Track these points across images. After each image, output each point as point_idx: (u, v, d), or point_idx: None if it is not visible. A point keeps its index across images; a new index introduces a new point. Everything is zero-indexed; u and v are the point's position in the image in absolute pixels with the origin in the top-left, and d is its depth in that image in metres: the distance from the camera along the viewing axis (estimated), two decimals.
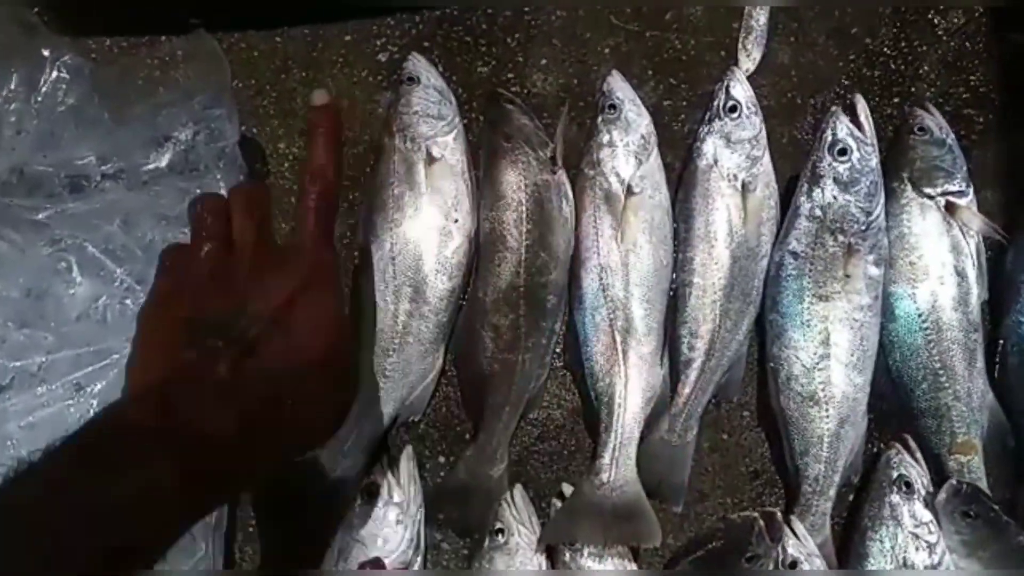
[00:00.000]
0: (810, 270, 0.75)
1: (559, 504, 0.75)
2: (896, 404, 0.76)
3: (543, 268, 0.77)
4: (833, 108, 0.77)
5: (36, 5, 0.82)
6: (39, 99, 0.77)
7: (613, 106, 0.80)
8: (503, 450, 0.77)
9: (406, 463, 0.76)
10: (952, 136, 0.79)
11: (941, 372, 0.74)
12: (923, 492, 0.72)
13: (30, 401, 0.68)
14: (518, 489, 0.75)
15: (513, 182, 0.79)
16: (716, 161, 0.79)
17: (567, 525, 0.73)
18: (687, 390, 0.76)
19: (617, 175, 0.79)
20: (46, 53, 0.79)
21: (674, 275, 0.79)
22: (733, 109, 0.79)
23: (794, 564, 0.70)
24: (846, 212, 0.75)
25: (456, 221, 0.79)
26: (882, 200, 0.75)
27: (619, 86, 0.81)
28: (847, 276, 0.75)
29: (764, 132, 0.79)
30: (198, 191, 0.77)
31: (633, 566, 0.73)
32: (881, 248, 0.75)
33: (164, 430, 0.45)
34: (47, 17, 0.81)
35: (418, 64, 0.83)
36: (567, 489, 0.76)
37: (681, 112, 0.86)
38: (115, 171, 0.79)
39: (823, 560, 0.72)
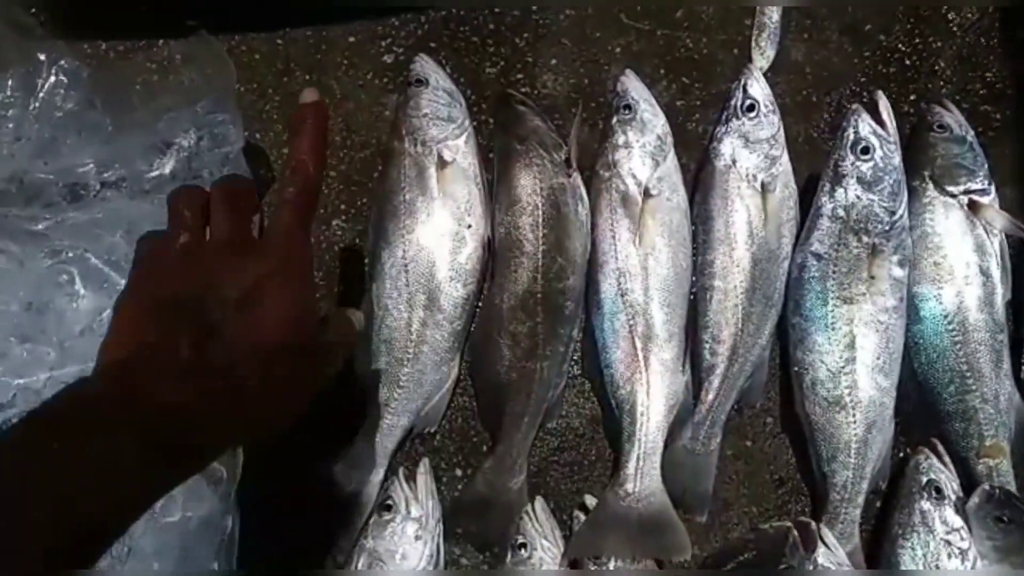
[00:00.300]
0: (834, 272, 0.74)
1: (582, 516, 0.73)
2: (922, 408, 0.75)
3: (560, 273, 0.75)
4: (855, 106, 0.75)
5: (33, 6, 0.79)
6: (36, 105, 0.74)
7: (628, 106, 0.78)
8: (522, 461, 0.75)
9: (423, 476, 0.74)
10: (972, 133, 0.77)
11: (968, 374, 0.73)
12: (953, 497, 0.71)
13: None
14: (539, 502, 0.73)
15: (528, 185, 0.77)
16: (734, 161, 0.77)
17: (593, 538, 0.71)
18: (711, 396, 0.75)
19: (634, 177, 0.77)
20: (42, 57, 0.76)
21: (693, 279, 0.77)
22: (751, 108, 0.77)
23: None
24: (870, 212, 0.73)
25: (470, 226, 0.77)
26: (905, 199, 0.74)
27: (634, 86, 0.79)
28: (872, 277, 0.73)
29: (782, 131, 0.78)
30: None
31: None
32: (905, 248, 0.74)
33: (126, 404, 0.45)
34: (43, 17, 0.78)
35: (426, 65, 0.81)
36: (590, 501, 0.74)
37: (695, 112, 0.84)
38: (116, 179, 0.76)
39: (853, 566, 0.70)
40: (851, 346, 0.73)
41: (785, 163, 0.78)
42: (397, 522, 0.71)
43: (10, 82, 0.74)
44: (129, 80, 0.84)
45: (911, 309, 0.75)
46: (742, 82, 0.78)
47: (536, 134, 0.78)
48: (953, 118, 0.78)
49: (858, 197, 0.74)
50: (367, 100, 0.87)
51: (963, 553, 0.69)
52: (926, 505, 0.70)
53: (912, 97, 0.84)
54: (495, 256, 0.78)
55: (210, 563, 0.68)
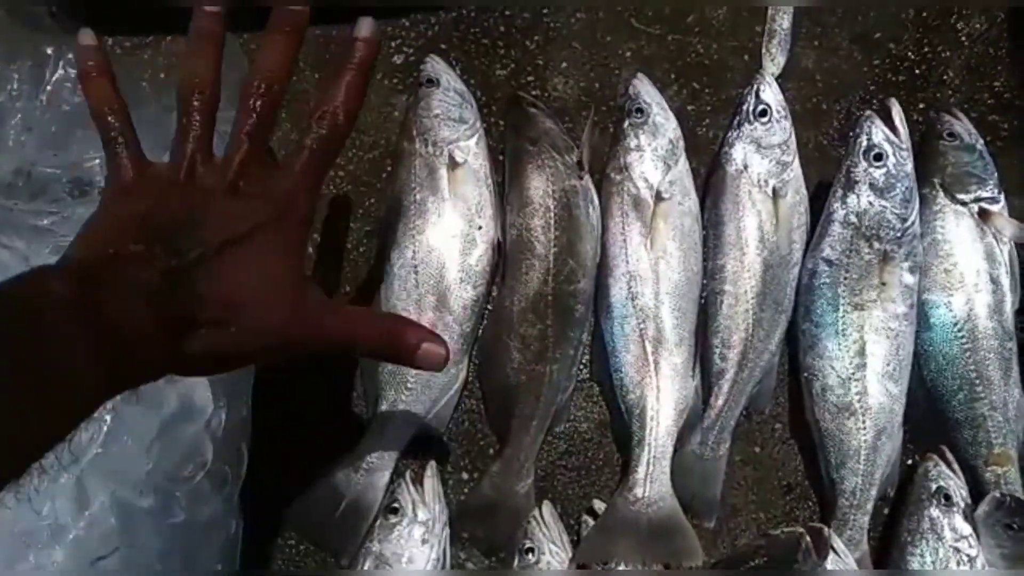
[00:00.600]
0: (845, 278, 0.74)
1: (590, 521, 0.73)
2: (931, 415, 0.75)
3: (572, 276, 0.75)
4: (868, 112, 0.75)
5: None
6: (44, 98, 0.73)
7: (640, 110, 0.78)
8: (530, 465, 0.75)
9: (430, 479, 0.73)
10: (981, 142, 0.78)
11: (977, 382, 0.73)
12: (963, 505, 0.71)
13: None
14: (547, 506, 0.73)
15: (540, 187, 0.77)
16: (746, 167, 0.77)
17: (602, 543, 0.70)
18: (720, 402, 0.74)
19: (645, 180, 0.77)
20: (49, 51, 0.75)
21: (704, 283, 0.77)
22: (763, 113, 0.77)
23: None
24: (882, 218, 0.73)
25: (480, 228, 0.76)
26: (917, 206, 0.74)
27: (646, 89, 0.79)
28: (883, 284, 0.73)
29: (794, 137, 0.78)
30: None
31: None
32: (916, 255, 0.74)
33: (81, 309, 0.43)
34: (54, 8, 0.77)
35: (437, 66, 0.81)
36: (598, 505, 0.73)
37: (705, 117, 0.84)
38: None
39: (863, 574, 0.70)
40: (861, 352, 0.73)
41: (796, 169, 0.78)
42: (403, 525, 0.71)
43: (16, 75, 0.73)
44: (138, 76, 0.84)
45: (921, 316, 0.75)
46: (755, 87, 0.78)
47: (548, 136, 0.78)
48: (963, 127, 0.78)
49: (870, 203, 0.74)
50: (376, 100, 0.86)
51: (971, 560, 0.69)
52: (935, 512, 0.70)
53: (921, 106, 0.84)
54: (505, 258, 0.77)
55: (214, 565, 0.67)
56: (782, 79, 0.84)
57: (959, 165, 0.77)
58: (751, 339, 0.75)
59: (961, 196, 0.76)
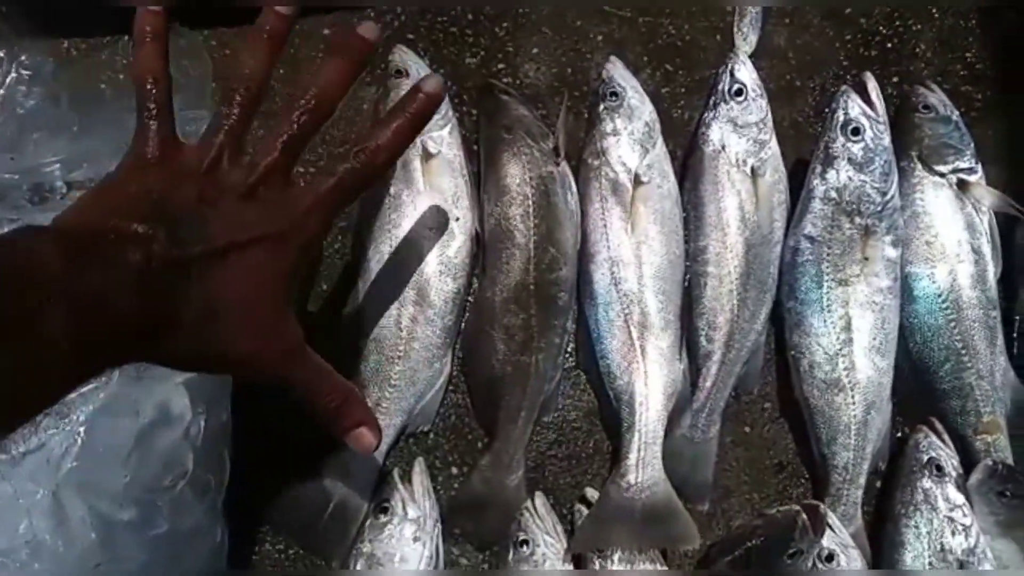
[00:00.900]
0: (827, 254, 0.73)
1: (584, 510, 0.72)
2: (919, 387, 0.75)
3: (553, 264, 0.74)
4: (844, 88, 0.75)
5: None
6: None
7: (615, 93, 0.77)
8: (520, 457, 0.74)
9: (419, 476, 0.72)
10: (956, 113, 0.78)
11: (963, 352, 0.73)
12: (954, 475, 0.71)
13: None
14: (539, 497, 0.72)
15: (517, 175, 0.75)
16: (724, 147, 0.76)
17: (597, 532, 0.69)
18: (708, 383, 0.74)
19: (623, 164, 0.76)
20: (1, 55, 0.73)
21: (687, 265, 0.76)
22: (739, 93, 0.76)
23: (831, 556, 0.68)
24: (862, 193, 0.73)
25: (457, 219, 0.75)
26: (896, 179, 0.74)
27: (620, 73, 0.78)
28: (865, 259, 0.73)
29: (770, 115, 0.77)
30: None
31: (664, 569, 0.70)
32: (898, 228, 0.74)
33: (68, 275, 0.42)
34: (6, 9, 0.75)
35: (405, 56, 0.79)
36: (591, 494, 0.73)
37: (680, 98, 0.84)
38: (84, 178, 0.73)
39: (859, 550, 0.69)
40: (847, 328, 0.73)
41: (774, 147, 0.77)
42: (394, 524, 0.69)
43: None
44: (95, 77, 0.81)
45: (905, 289, 0.75)
46: (729, 67, 0.77)
47: (522, 123, 0.77)
48: (937, 98, 0.78)
49: (850, 178, 0.73)
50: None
51: (966, 529, 0.69)
52: (927, 483, 0.70)
53: (895, 79, 0.84)
54: (485, 249, 0.76)
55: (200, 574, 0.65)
56: (755, 58, 0.83)
57: (936, 137, 0.77)
58: (736, 320, 0.74)
59: (939, 168, 0.76)
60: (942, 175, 0.76)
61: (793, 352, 0.74)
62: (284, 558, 0.73)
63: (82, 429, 0.63)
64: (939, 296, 0.74)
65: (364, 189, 0.54)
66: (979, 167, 0.76)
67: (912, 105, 0.78)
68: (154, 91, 0.52)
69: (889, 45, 0.85)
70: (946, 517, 0.70)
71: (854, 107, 0.74)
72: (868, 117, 0.73)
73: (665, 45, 0.85)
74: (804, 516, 0.65)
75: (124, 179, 0.50)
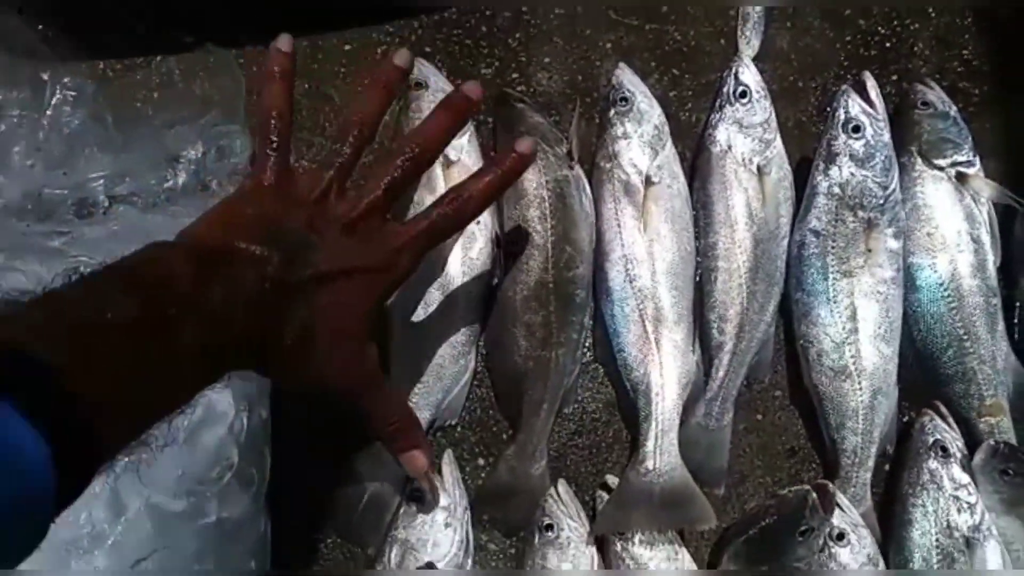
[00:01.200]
0: (832, 247, 0.77)
1: (604, 496, 0.75)
2: (923, 372, 0.78)
3: (570, 263, 0.78)
4: (844, 87, 0.79)
5: (41, 23, 0.80)
6: (45, 123, 0.75)
7: (625, 98, 0.81)
8: (543, 447, 0.77)
9: (448, 466, 0.75)
10: (954, 108, 0.81)
11: (965, 338, 0.76)
12: (959, 455, 0.74)
13: None
14: (562, 484, 0.75)
15: (534, 179, 0.79)
16: (730, 147, 0.80)
17: (619, 514, 0.73)
18: (721, 373, 0.77)
19: (635, 166, 0.80)
20: (45, 77, 0.77)
21: (698, 260, 0.80)
22: (743, 95, 0.80)
23: (841, 535, 0.71)
24: (864, 187, 0.76)
25: (479, 222, 0.79)
26: (896, 173, 0.77)
27: (628, 79, 0.82)
28: (869, 250, 0.76)
29: (774, 115, 0.81)
30: None
31: (683, 551, 0.73)
32: (899, 221, 0.77)
33: (196, 288, 0.46)
34: (51, 33, 0.79)
35: (424, 69, 0.83)
36: (611, 480, 0.76)
37: (687, 102, 0.87)
38: (127, 192, 0.78)
39: (868, 529, 0.73)
40: (853, 317, 0.76)
41: (779, 146, 0.81)
42: (426, 512, 0.73)
43: (18, 102, 0.75)
44: (131, 96, 0.86)
45: (908, 279, 0.78)
46: (733, 70, 0.81)
47: (537, 130, 0.81)
48: (935, 95, 0.81)
49: (852, 174, 0.77)
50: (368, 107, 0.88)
51: (971, 507, 0.72)
52: (933, 464, 0.73)
53: (894, 77, 0.87)
54: (503, 248, 0.80)
55: (247, 563, 0.70)
56: (758, 61, 0.86)
57: (934, 132, 0.80)
58: (746, 312, 0.78)
59: (938, 161, 0.79)
60: (941, 169, 0.79)
61: (802, 342, 0.78)
62: (324, 547, 0.77)
63: None
64: (941, 285, 0.77)
65: (453, 233, 0.59)
66: (977, 160, 0.79)
67: (911, 102, 0.81)
68: (277, 125, 0.57)
69: (888, 45, 0.88)
70: (952, 496, 0.73)
71: (854, 106, 0.77)
72: (868, 115, 0.77)
73: (671, 51, 0.88)
74: (814, 495, 0.69)
75: (243, 202, 0.55)
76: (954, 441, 0.74)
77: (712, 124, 0.81)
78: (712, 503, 0.75)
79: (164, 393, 0.46)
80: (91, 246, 0.74)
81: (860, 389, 0.75)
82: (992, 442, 0.73)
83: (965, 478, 0.73)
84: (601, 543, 0.74)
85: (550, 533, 0.72)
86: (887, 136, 0.77)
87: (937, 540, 0.72)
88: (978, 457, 0.73)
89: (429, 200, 0.78)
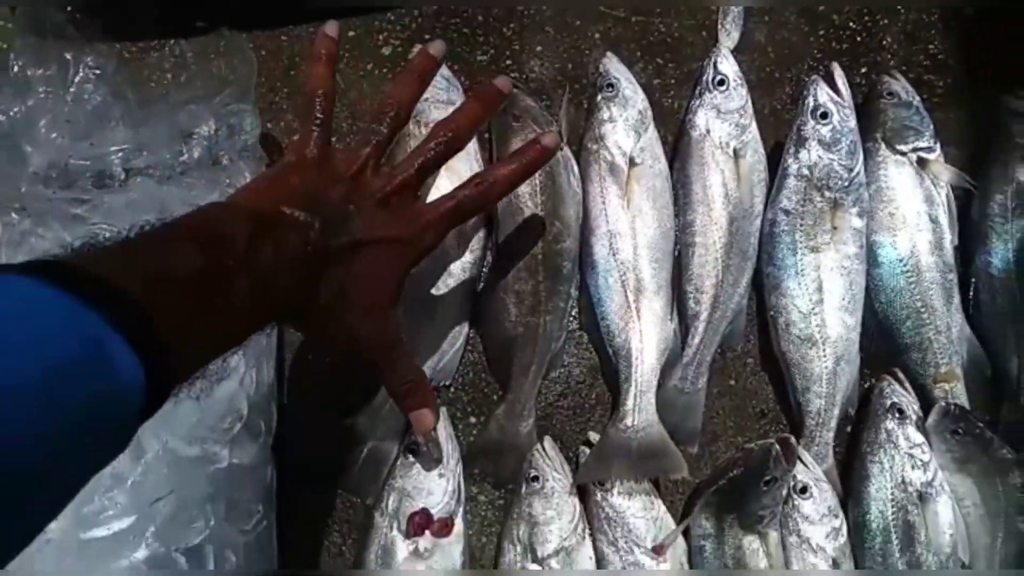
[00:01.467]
0: (801, 225, 0.83)
1: (587, 451, 0.81)
2: (883, 342, 0.84)
3: (558, 237, 0.83)
4: (813, 77, 0.84)
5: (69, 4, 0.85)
6: (69, 99, 0.80)
7: (611, 85, 0.86)
8: (531, 407, 0.83)
9: (442, 423, 0.81)
10: (918, 98, 0.86)
11: (923, 309, 0.82)
12: (914, 417, 0.79)
13: None
14: (548, 440, 0.81)
15: None
16: (708, 131, 0.85)
17: (599, 465, 0.79)
18: (697, 340, 0.83)
19: (619, 148, 0.85)
20: (69, 57, 0.82)
21: (676, 236, 0.85)
22: (721, 83, 0.85)
23: (804, 489, 0.77)
24: (830, 170, 0.82)
25: None
26: (861, 157, 0.83)
27: (615, 67, 0.87)
28: (834, 228, 0.82)
29: (750, 102, 0.86)
30: (227, 180, 0.82)
31: (659, 502, 0.79)
32: (863, 201, 0.83)
33: (248, 245, 0.51)
34: (78, 16, 0.84)
35: None
36: (593, 437, 0.82)
37: (670, 89, 0.93)
38: (144, 166, 0.83)
39: (830, 484, 0.79)
40: (819, 290, 0.82)
41: (754, 131, 0.86)
42: (425, 465, 0.79)
43: (46, 78, 0.80)
44: (147, 76, 0.91)
45: (870, 255, 0.83)
46: (713, 60, 0.86)
47: (529, 113, 0.86)
48: (900, 86, 0.87)
49: (820, 157, 0.83)
50: (369, 89, 0.94)
51: (925, 465, 0.78)
52: (890, 424, 0.79)
53: (863, 70, 0.93)
54: (497, 223, 0.85)
55: (255, 507, 0.75)
56: (737, 52, 0.92)
57: (898, 120, 0.85)
58: (721, 284, 0.83)
59: (900, 147, 0.85)
60: (903, 154, 0.84)
61: (772, 312, 0.83)
62: (324, 495, 0.83)
63: None
64: (901, 261, 0.83)
65: (476, 214, 0.66)
66: (937, 146, 0.85)
67: (878, 92, 0.87)
68: (320, 104, 0.63)
69: (858, 39, 0.94)
70: (907, 454, 0.79)
71: (823, 94, 0.83)
72: (835, 103, 0.83)
73: (656, 41, 0.94)
74: (778, 448, 0.74)
75: (288, 172, 0.59)
76: (910, 404, 0.80)
77: (692, 110, 0.86)
78: (687, 461, 0.81)
79: (221, 334, 0.51)
80: (110, 214, 0.79)
81: (824, 356, 0.81)
82: (944, 403, 0.79)
83: (919, 438, 0.79)
84: (583, 495, 0.80)
85: (536, 484, 0.78)
86: (853, 122, 0.83)
87: (892, 494, 0.78)
88: (931, 418, 0.79)
89: (429, 178, 0.84)
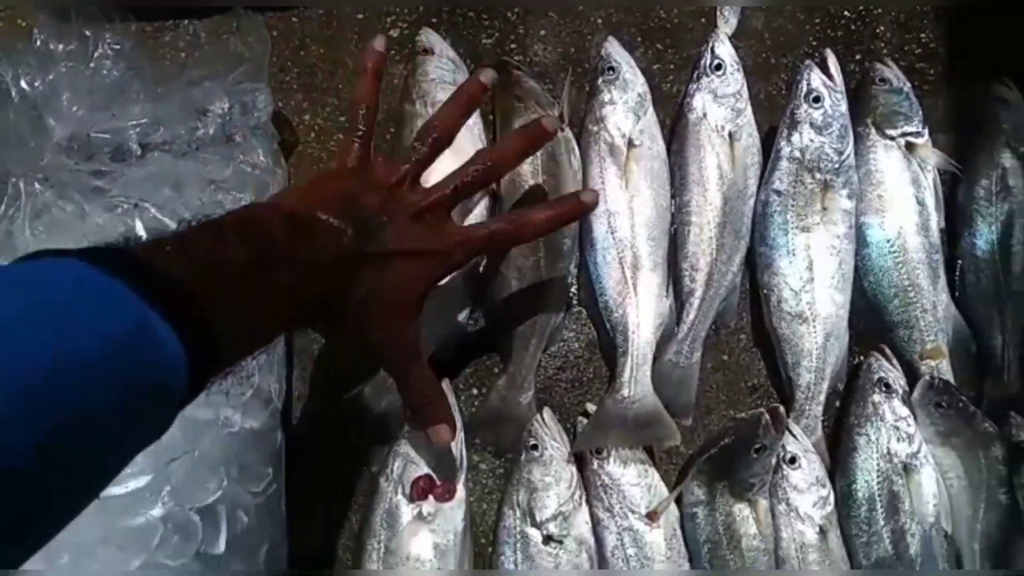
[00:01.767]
0: (793, 205, 0.85)
1: (584, 421, 0.84)
2: (871, 319, 0.87)
3: None
4: (807, 62, 0.87)
5: None
6: (89, 74, 0.83)
7: (612, 68, 0.89)
8: (531, 379, 0.85)
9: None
10: (908, 85, 0.89)
11: (910, 288, 0.85)
12: (900, 392, 0.82)
13: None
14: (547, 411, 0.84)
15: None
16: (705, 114, 0.88)
17: (596, 434, 0.81)
18: (691, 316, 0.86)
19: (619, 130, 0.88)
20: (88, 34, 0.85)
21: (673, 216, 0.88)
22: (718, 67, 0.88)
23: (793, 459, 0.80)
24: (822, 152, 0.85)
25: None
26: (852, 141, 0.86)
27: (616, 51, 0.90)
28: (824, 209, 0.85)
29: (746, 87, 0.89)
30: (241, 156, 0.84)
31: (653, 471, 0.82)
32: (852, 183, 0.86)
33: (285, 246, 0.54)
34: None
35: (431, 37, 0.91)
36: (591, 408, 0.85)
37: (669, 74, 0.95)
38: (160, 141, 0.85)
39: (818, 455, 0.82)
40: (810, 268, 0.85)
41: (749, 115, 0.89)
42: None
43: (67, 53, 0.83)
44: (161, 55, 0.94)
45: (859, 235, 0.86)
46: (710, 45, 0.89)
47: (532, 94, 0.89)
48: (892, 73, 0.89)
49: (811, 140, 0.85)
50: None
51: (910, 437, 0.81)
52: (877, 398, 0.82)
53: (857, 57, 0.95)
54: (500, 202, 0.88)
55: (265, 470, 0.78)
56: (735, 39, 0.94)
57: (888, 105, 0.88)
58: (715, 262, 0.86)
59: (890, 132, 0.87)
60: (892, 138, 0.87)
61: (764, 290, 0.86)
62: (331, 462, 0.86)
63: None
64: (888, 241, 0.86)
65: (504, 248, 0.71)
66: (925, 131, 0.88)
67: (870, 79, 0.89)
68: (364, 116, 0.66)
69: (853, 27, 0.96)
70: (892, 427, 0.82)
71: (815, 79, 0.86)
72: (827, 87, 0.85)
73: (656, 27, 0.97)
74: (767, 417, 0.77)
75: (328, 179, 0.63)
76: (897, 379, 0.83)
77: (690, 94, 0.89)
78: (681, 432, 0.84)
79: (260, 328, 0.53)
80: (128, 186, 0.82)
81: (814, 332, 0.84)
82: (928, 377, 0.82)
83: (905, 411, 0.82)
84: (580, 463, 0.83)
85: (535, 452, 0.81)
86: (844, 107, 0.86)
87: (878, 465, 0.81)
88: (916, 392, 0.82)
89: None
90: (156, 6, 0.96)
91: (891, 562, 0.80)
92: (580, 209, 0.70)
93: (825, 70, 0.87)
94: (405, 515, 0.80)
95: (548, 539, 0.80)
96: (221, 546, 0.72)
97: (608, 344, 0.87)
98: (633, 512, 0.80)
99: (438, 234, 0.64)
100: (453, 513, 0.80)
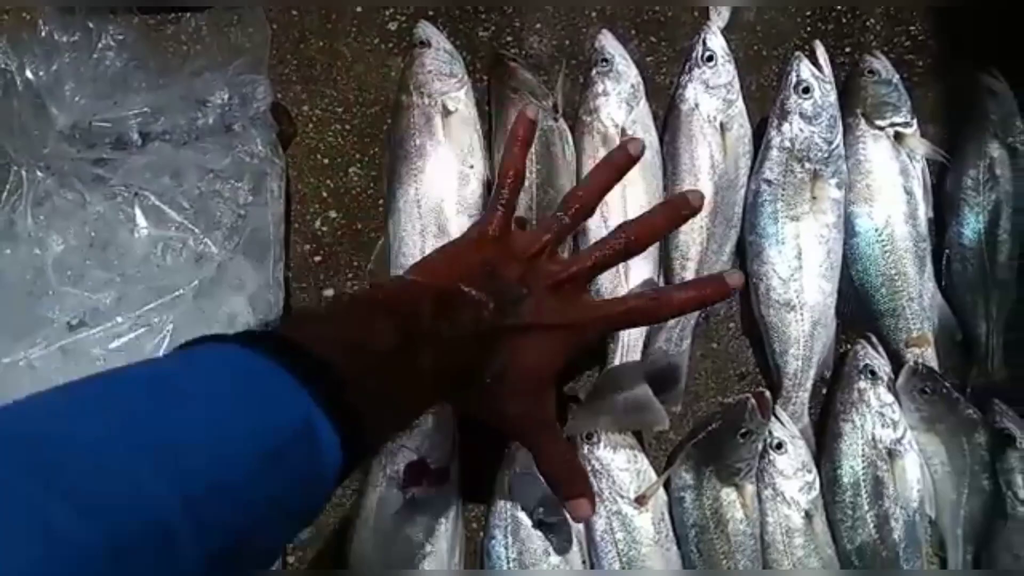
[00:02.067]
0: (782, 195, 0.87)
1: (576, 407, 0.86)
2: (859, 308, 0.88)
3: (552, 204, 0.87)
4: (797, 54, 0.88)
5: None
6: (92, 65, 0.85)
7: (606, 60, 0.90)
8: None
9: None
10: (897, 77, 0.90)
11: (896, 277, 0.86)
12: (886, 379, 0.84)
13: (109, 330, 0.76)
14: None
15: None
16: (697, 105, 0.90)
17: (588, 419, 0.83)
18: None
19: (612, 120, 0.89)
20: (91, 25, 0.87)
21: None
22: (710, 59, 0.90)
23: (780, 444, 0.82)
24: (811, 142, 0.86)
25: (472, 167, 0.89)
26: (841, 131, 0.87)
27: (610, 43, 0.91)
28: (814, 198, 0.86)
29: (737, 78, 0.90)
30: (239, 146, 0.86)
31: (642, 456, 0.83)
32: (841, 173, 0.87)
33: (434, 322, 0.53)
34: None
35: (428, 29, 0.93)
36: (582, 395, 0.86)
37: (662, 66, 0.97)
38: (161, 130, 0.87)
39: (804, 441, 0.83)
40: (798, 257, 0.86)
41: (740, 106, 0.90)
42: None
43: (70, 44, 0.84)
44: (164, 47, 0.95)
45: (847, 224, 0.87)
46: (702, 36, 0.90)
47: (527, 85, 0.91)
48: (881, 64, 0.91)
49: (801, 130, 0.87)
50: (375, 63, 0.98)
51: (894, 424, 0.83)
52: (863, 384, 0.83)
53: (847, 49, 0.97)
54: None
55: None
56: (727, 31, 0.96)
57: (877, 96, 0.89)
58: (706, 251, 0.88)
59: (879, 122, 0.89)
60: (881, 128, 0.89)
61: (753, 278, 0.87)
62: None
63: (167, 330, 0.78)
64: (876, 231, 0.87)
65: (640, 326, 0.71)
66: (914, 122, 0.89)
67: (860, 70, 0.91)
68: (510, 183, 0.66)
69: (843, 20, 0.98)
70: (877, 413, 0.83)
71: (805, 70, 0.87)
72: (817, 78, 0.87)
73: (650, 20, 0.98)
74: (753, 402, 0.79)
75: (469, 249, 0.62)
76: (882, 367, 0.84)
77: (682, 85, 0.91)
78: (670, 419, 0.85)
79: (403, 412, 0.53)
80: (129, 175, 0.84)
81: (802, 320, 0.85)
82: (912, 363, 0.84)
83: (890, 398, 0.83)
84: (571, 441, 0.84)
85: None
86: (833, 97, 0.87)
87: (863, 450, 0.83)
88: (900, 379, 0.83)
89: (430, 146, 0.89)
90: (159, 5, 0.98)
91: (875, 546, 0.81)
92: (725, 292, 0.66)
93: (815, 61, 0.88)
94: (397, 500, 0.81)
95: (539, 523, 0.81)
96: None
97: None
98: (622, 496, 0.82)
99: (575, 307, 0.63)
100: (445, 499, 0.82)
